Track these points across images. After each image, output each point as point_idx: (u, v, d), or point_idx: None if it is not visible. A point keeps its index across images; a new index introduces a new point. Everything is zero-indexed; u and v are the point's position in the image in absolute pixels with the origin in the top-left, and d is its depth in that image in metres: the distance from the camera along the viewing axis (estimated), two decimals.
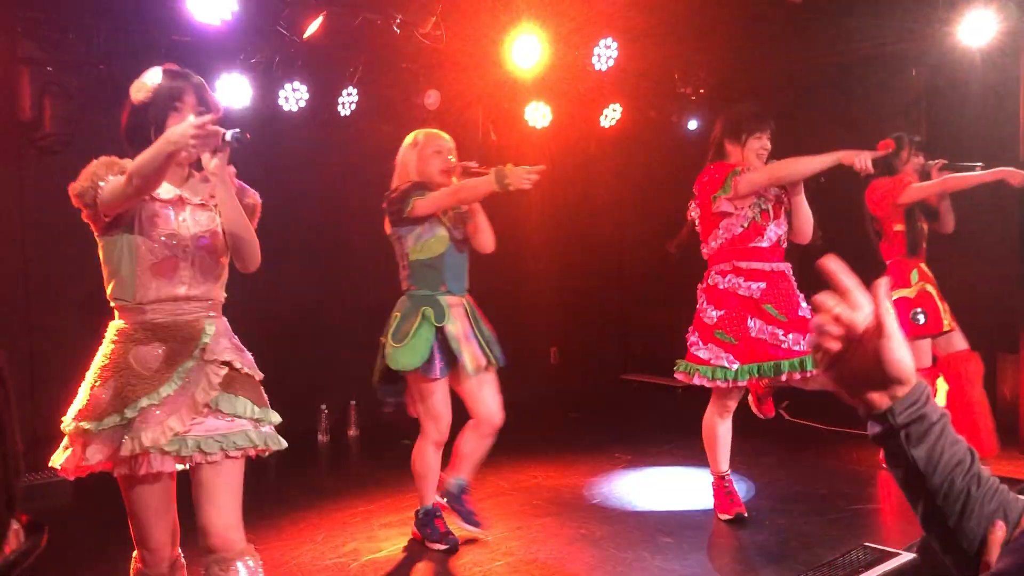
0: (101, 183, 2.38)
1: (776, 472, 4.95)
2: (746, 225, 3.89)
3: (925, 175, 4.59)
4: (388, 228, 3.82)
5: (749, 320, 3.84)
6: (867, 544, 3.71)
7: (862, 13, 5.64)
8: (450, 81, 5.80)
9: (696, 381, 3.94)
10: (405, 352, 3.65)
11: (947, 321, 4.54)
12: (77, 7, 4.61)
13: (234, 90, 4.89)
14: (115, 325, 2.52)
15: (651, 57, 6.32)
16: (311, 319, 5.95)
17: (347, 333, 6.13)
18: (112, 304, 2.53)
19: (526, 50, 5.47)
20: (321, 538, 4.07)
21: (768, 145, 3.94)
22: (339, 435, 5.99)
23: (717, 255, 3.97)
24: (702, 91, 6.81)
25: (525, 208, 6.56)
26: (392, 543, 3.99)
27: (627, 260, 7.95)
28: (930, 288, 4.56)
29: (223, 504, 2.45)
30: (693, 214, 4.08)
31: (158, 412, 2.38)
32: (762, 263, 3.91)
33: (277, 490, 4.79)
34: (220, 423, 2.44)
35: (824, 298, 1.02)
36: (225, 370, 2.49)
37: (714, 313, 3.89)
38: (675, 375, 4.07)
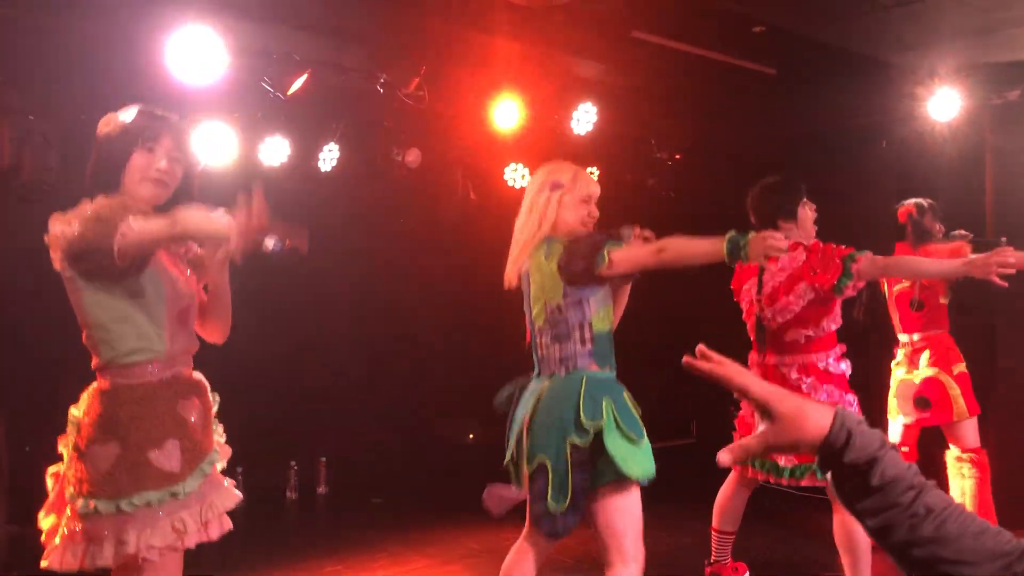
0: (119, 223, 2.10)
1: (750, 537, 4.92)
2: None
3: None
4: (568, 287, 2.84)
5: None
6: None
7: (834, 86, 5.81)
8: (431, 140, 5.88)
9: None
10: (645, 455, 2.82)
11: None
12: (60, 55, 4.63)
13: (216, 143, 4.92)
14: (132, 382, 2.23)
15: (628, 122, 6.45)
16: (282, 375, 5.89)
17: (318, 390, 6.09)
18: (124, 361, 2.23)
19: (506, 112, 5.58)
20: None
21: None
22: (308, 492, 5.90)
23: (829, 339, 3.68)
24: (677, 156, 6.96)
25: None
26: None
27: None
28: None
29: None
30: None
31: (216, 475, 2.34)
32: None
33: (243, 547, 4.69)
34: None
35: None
36: (221, 427, 2.45)
37: (851, 398, 3.62)
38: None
